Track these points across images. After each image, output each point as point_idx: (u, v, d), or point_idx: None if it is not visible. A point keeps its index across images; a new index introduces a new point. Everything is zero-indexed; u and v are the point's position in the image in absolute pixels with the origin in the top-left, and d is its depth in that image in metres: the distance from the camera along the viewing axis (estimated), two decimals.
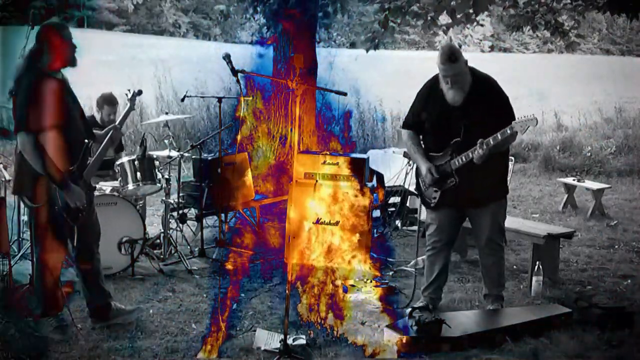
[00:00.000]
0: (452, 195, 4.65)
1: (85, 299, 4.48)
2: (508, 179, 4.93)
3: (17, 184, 4.28)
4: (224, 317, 4.31)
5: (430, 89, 4.69)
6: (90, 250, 4.41)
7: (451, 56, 4.44)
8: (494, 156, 4.49)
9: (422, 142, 4.80)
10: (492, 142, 4.38)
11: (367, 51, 9.54)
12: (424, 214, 6.25)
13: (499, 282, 4.83)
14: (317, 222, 4.81)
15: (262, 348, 4.06)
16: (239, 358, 4.01)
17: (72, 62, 4.24)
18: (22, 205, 5.70)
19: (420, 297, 4.88)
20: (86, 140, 4.29)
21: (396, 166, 7.19)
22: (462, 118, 4.51)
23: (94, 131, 4.54)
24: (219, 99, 6.38)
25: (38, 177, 4.08)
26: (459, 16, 9.18)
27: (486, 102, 4.50)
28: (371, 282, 5.25)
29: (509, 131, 4.35)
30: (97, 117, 6.18)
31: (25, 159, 4.06)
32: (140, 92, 4.70)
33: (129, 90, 4.69)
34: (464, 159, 4.51)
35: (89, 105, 6.39)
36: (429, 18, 8.78)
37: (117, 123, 4.57)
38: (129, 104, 4.59)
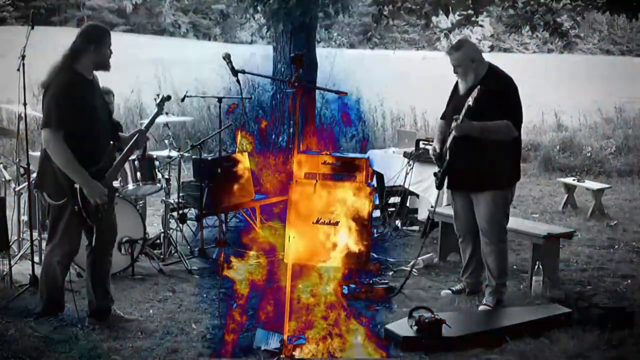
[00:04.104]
0: (453, 178, 4.91)
1: (88, 298, 4.48)
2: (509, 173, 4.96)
3: (39, 179, 4.31)
4: (225, 317, 4.31)
5: (456, 81, 5.03)
6: (105, 251, 4.42)
7: (455, 45, 4.86)
8: (489, 144, 4.69)
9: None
10: (459, 119, 4.65)
11: (368, 40, 9.55)
12: (423, 214, 6.27)
13: (496, 274, 4.89)
14: (317, 222, 4.81)
15: (262, 348, 4.06)
16: (239, 358, 4.01)
17: (107, 67, 4.27)
18: (22, 205, 5.70)
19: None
20: (111, 142, 4.31)
21: (396, 166, 7.19)
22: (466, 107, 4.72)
23: (120, 134, 4.54)
24: (219, 99, 6.39)
25: (60, 175, 4.10)
26: (458, 18, 9.18)
27: (492, 96, 4.60)
28: (371, 282, 5.25)
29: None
30: None
31: (48, 156, 4.09)
32: (169, 98, 4.63)
33: (157, 95, 4.69)
34: (450, 137, 4.79)
35: None
36: (424, 14, 8.77)
37: (143, 127, 4.51)
38: (156, 109, 4.53)
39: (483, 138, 4.68)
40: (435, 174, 5.10)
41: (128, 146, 4.40)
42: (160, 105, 4.55)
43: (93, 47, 4.16)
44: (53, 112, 4.04)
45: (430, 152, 5.11)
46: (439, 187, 5.03)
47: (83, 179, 4.08)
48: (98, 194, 4.13)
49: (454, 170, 4.85)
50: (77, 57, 4.15)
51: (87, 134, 4.13)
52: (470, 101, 4.53)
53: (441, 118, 5.21)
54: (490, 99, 4.58)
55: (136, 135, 4.43)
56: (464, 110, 4.61)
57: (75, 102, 4.08)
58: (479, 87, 4.49)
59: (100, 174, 4.19)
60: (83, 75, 4.18)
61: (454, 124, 4.70)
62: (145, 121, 4.60)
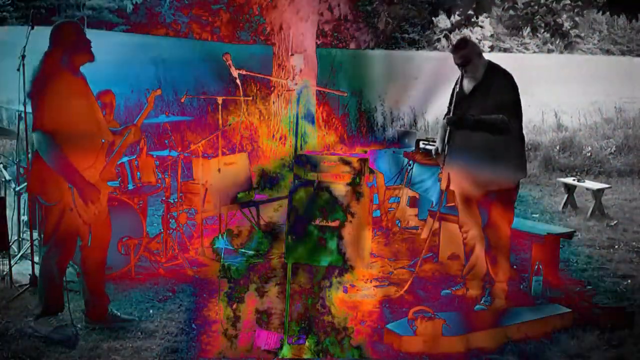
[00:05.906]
0: (455, 179, 4.92)
1: (84, 298, 4.48)
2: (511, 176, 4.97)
3: (31, 182, 4.28)
4: (224, 317, 4.30)
5: (457, 80, 5.02)
6: (101, 250, 4.41)
7: (458, 44, 4.84)
8: (493, 144, 4.69)
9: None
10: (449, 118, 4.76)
11: (378, 42, 9.63)
12: (423, 214, 6.25)
13: (491, 275, 4.90)
14: (317, 222, 4.81)
15: (262, 348, 4.06)
16: (239, 358, 4.01)
17: (90, 57, 4.24)
18: (22, 205, 5.70)
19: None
20: (103, 140, 4.29)
21: (396, 166, 7.19)
22: (470, 105, 4.73)
23: (111, 129, 4.50)
24: (219, 99, 6.37)
25: (53, 176, 4.08)
26: (459, 18, 9.20)
27: (493, 93, 4.63)
28: (371, 282, 5.26)
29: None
30: None
31: (40, 158, 4.07)
32: (159, 92, 4.67)
33: (148, 89, 4.66)
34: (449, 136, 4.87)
35: None
36: (426, 14, 8.80)
37: (134, 122, 4.50)
38: (147, 103, 4.55)
39: (478, 132, 4.69)
40: (440, 175, 5.12)
41: (120, 142, 4.39)
42: (151, 100, 4.56)
43: (64, 44, 4.13)
44: (42, 115, 4.02)
45: (433, 151, 5.14)
46: (447, 188, 5.03)
47: (76, 179, 4.06)
48: (92, 195, 4.11)
49: (459, 171, 4.86)
50: (56, 58, 4.12)
51: (76, 133, 4.10)
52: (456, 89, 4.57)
53: (444, 119, 5.20)
54: (490, 95, 4.60)
55: (128, 132, 4.42)
56: (452, 101, 4.66)
57: (62, 101, 4.05)
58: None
59: (92, 173, 4.18)
60: (68, 74, 4.15)
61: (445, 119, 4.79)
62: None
